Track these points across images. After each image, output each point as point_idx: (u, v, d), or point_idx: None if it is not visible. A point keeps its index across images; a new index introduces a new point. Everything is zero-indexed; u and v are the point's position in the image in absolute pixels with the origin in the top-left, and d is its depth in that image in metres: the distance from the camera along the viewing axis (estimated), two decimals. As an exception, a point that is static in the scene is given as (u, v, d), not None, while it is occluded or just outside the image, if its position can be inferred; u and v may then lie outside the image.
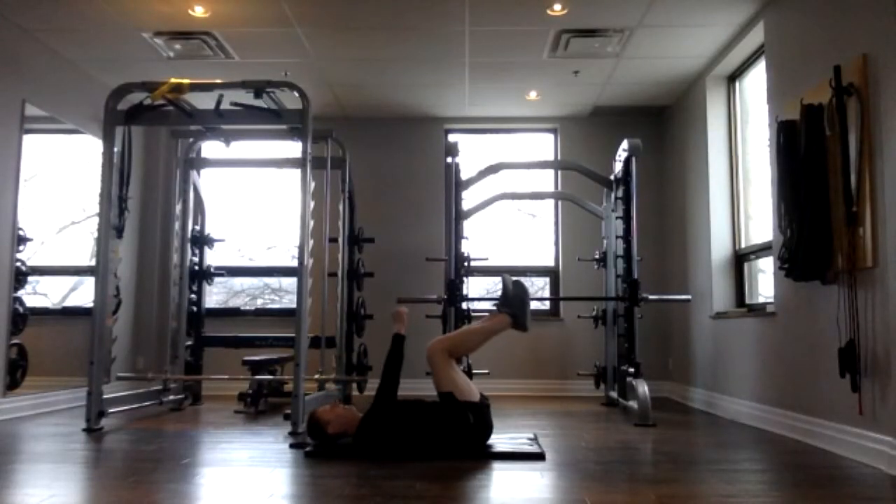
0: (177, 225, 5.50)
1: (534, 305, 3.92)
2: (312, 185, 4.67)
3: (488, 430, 3.53)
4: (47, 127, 5.46)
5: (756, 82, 5.23)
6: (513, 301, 3.80)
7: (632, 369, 4.92)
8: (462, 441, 3.43)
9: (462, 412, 3.45)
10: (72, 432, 4.16)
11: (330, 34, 5.16)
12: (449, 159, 5.37)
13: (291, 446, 3.63)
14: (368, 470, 3.06)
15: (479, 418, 3.48)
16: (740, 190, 5.48)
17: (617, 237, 5.60)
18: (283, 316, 6.18)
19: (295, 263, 4.63)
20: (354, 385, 5.76)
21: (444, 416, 3.45)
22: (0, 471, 3.10)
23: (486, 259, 6.08)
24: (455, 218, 5.40)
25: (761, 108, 4.79)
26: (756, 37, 4.84)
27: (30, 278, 5.10)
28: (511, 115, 6.97)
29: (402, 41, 5.27)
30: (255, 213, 7.12)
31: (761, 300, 5.07)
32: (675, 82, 6.06)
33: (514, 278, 3.94)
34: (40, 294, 5.41)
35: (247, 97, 4.48)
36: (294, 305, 4.44)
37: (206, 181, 6.14)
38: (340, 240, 5.68)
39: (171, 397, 5.24)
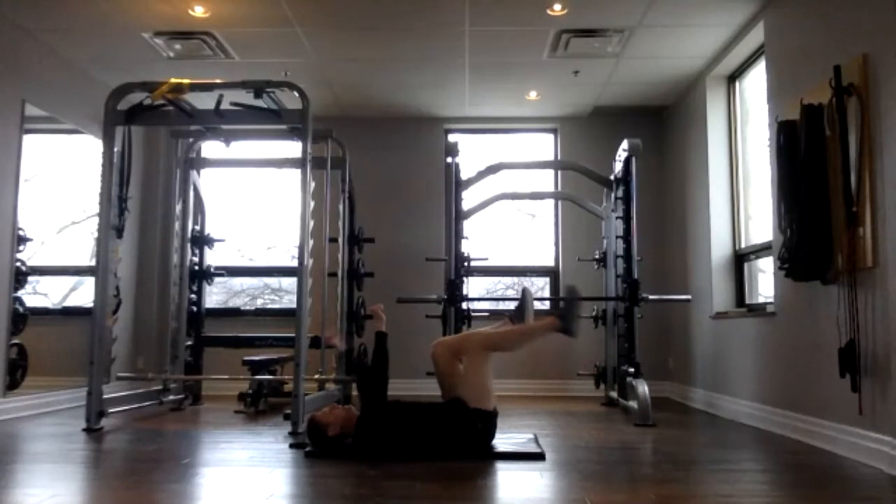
0: (177, 225, 5.50)
1: (534, 305, 3.93)
2: (312, 185, 4.67)
3: (492, 436, 3.54)
4: (47, 127, 5.46)
5: (756, 82, 5.23)
6: (564, 305, 3.88)
7: (632, 369, 4.92)
8: (464, 445, 3.43)
9: (471, 420, 3.44)
10: (72, 432, 4.15)
11: (330, 34, 5.16)
12: (449, 159, 5.37)
13: (291, 446, 3.63)
14: (368, 470, 3.06)
15: (486, 425, 3.49)
16: (740, 190, 5.48)
17: (617, 237, 5.60)
18: (283, 316, 6.17)
19: (295, 263, 4.63)
20: (354, 385, 5.75)
21: (450, 419, 3.44)
22: (0, 471, 3.10)
23: (486, 259, 6.07)
24: (455, 218, 5.39)
25: (761, 108, 4.79)
26: (756, 37, 4.83)
27: (30, 278, 5.09)
28: (511, 115, 6.96)
29: (402, 41, 5.27)
30: (255, 213, 7.11)
31: (761, 300, 5.07)
32: (675, 82, 6.06)
33: (571, 286, 4.03)
34: (40, 294, 5.41)
35: (247, 97, 4.48)
36: (294, 305, 4.45)
37: (206, 181, 6.14)
38: (340, 240, 5.68)
39: (171, 397, 5.24)
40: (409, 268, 6.54)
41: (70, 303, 5.79)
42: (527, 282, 7.18)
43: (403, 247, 6.67)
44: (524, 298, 3.85)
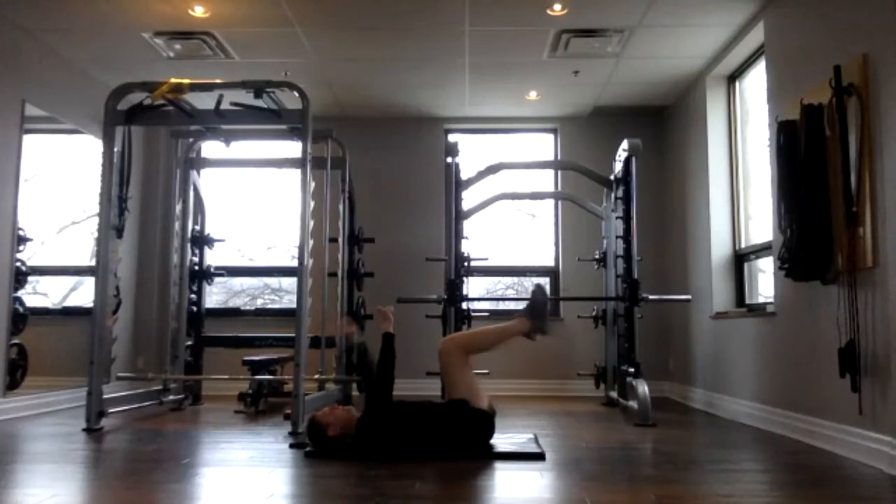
0: (177, 225, 5.50)
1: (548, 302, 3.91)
2: (312, 185, 4.67)
3: (491, 436, 3.55)
4: (47, 127, 5.46)
5: (756, 82, 5.23)
6: (530, 305, 3.84)
7: (632, 369, 4.92)
8: (466, 444, 3.43)
9: (478, 420, 3.45)
10: (72, 432, 4.15)
11: (330, 34, 5.16)
12: (449, 159, 5.37)
13: (291, 446, 3.63)
14: (368, 470, 3.06)
15: (485, 425, 3.50)
16: (740, 190, 5.48)
17: (617, 237, 5.60)
18: (283, 316, 6.17)
19: (295, 263, 4.63)
20: (354, 385, 5.76)
21: (453, 419, 3.45)
22: (0, 471, 3.10)
23: (486, 259, 6.07)
24: (455, 218, 5.39)
25: (761, 108, 4.79)
26: (756, 37, 4.83)
27: (30, 278, 5.09)
28: (511, 115, 6.96)
29: (402, 41, 5.27)
30: (255, 213, 7.11)
31: (761, 300, 5.07)
32: (675, 82, 6.06)
33: (539, 284, 3.96)
34: (40, 294, 5.41)
35: (247, 97, 4.48)
36: (294, 305, 4.44)
37: (206, 181, 6.14)
38: (340, 240, 5.68)
39: (171, 397, 5.23)
40: (409, 268, 6.54)
41: (70, 303, 5.79)
42: (527, 282, 7.18)
43: (403, 247, 6.67)
44: (541, 296, 3.83)
